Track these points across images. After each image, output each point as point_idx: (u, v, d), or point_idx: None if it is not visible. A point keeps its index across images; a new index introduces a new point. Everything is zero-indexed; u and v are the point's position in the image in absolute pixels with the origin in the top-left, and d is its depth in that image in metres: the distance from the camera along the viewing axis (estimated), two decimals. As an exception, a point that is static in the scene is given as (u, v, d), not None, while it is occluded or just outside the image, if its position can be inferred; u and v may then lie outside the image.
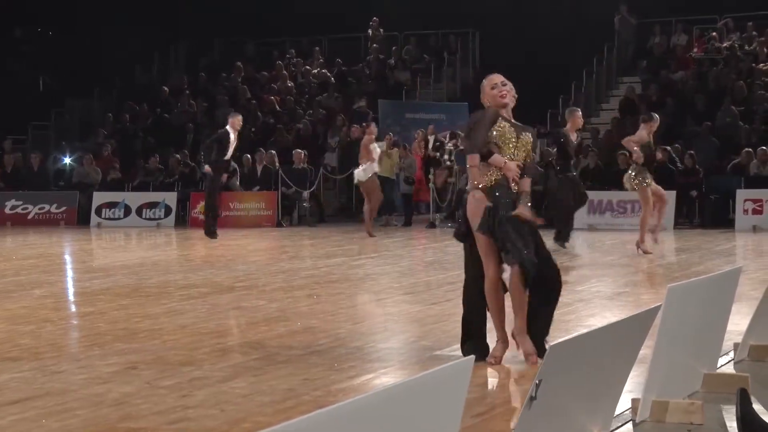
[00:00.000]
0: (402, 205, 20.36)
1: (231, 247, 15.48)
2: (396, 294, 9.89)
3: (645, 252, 13.08)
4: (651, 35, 25.02)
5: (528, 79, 23.80)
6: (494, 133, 6.32)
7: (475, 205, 6.27)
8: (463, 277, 6.74)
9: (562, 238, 14.09)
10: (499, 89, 6.57)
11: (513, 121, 6.46)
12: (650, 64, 24.29)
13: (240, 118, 16.90)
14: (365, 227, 17.03)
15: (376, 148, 17.25)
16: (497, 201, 6.21)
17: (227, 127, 16.44)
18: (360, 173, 16.81)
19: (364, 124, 18.87)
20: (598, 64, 24.67)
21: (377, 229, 18.20)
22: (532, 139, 6.45)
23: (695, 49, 24.11)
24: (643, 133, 13.06)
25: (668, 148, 18.98)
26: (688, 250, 14.09)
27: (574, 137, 13.88)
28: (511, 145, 6.33)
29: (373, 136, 17.15)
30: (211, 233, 16.52)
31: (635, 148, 12.94)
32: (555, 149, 14.23)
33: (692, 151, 19.01)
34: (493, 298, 6.37)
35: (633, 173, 13.00)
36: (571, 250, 14.21)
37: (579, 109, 14.52)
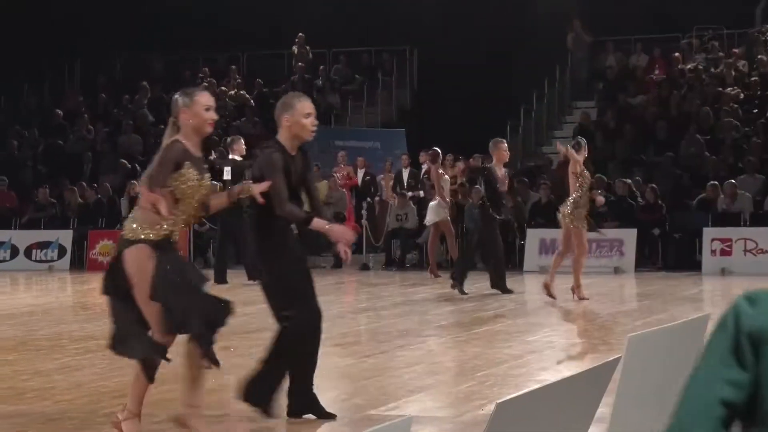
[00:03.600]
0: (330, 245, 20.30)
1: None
2: (324, 345, 9.83)
3: (581, 298, 13.23)
4: (607, 55, 25.46)
5: (472, 103, 24.23)
6: (179, 181, 5.79)
7: (143, 259, 5.76)
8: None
9: (501, 286, 14.10)
10: (312, 122, 6.52)
11: (198, 156, 5.97)
12: (606, 87, 24.68)
13: (242, 141, 16.51)
14: (431, 268, 17.02)
15: (447, 180, 17.21)
16: (166, 254, 5.83)
17: (233, 156, 16.08)
18: (434, 214, 16.73)
19: (430, 152, 18.36)
20: (549, 86, 24.99)
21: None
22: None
23: (656, 71, 24.55)
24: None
25: (628, 180, 19.23)
26: (650, 296, 14.28)
27: (500, 172, 13.98)
28: (191, 198, 5.88)
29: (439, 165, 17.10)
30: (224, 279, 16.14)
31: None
32: (483, 188, 14.36)
33: (654, 185, 19.22)
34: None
35: (569, 210, 13.08)
36: (518, 296, 14.33)
37: (504, 140, 14.48)
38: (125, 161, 22.99)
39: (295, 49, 26.97)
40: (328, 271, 18.87)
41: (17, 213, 21.67)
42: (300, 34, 26.85)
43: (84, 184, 22.15)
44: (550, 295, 13.12)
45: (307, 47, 27.00)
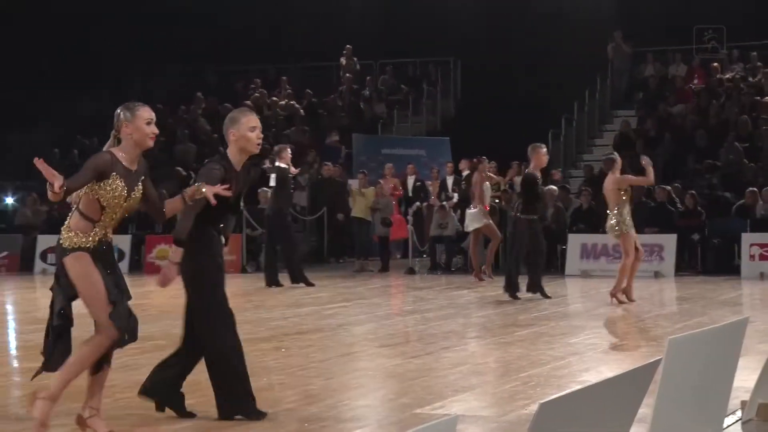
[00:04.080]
0: (378, 249, 20.34)
1: (190, 296, 15.41)
2: (372, 346, 9.89)
3: (620, 302, 13.17)
4: (647, 65, 25.30)
5: (514, 112, 24.16)
6: (105, 190, 5.86)
7: (81, 264, 5.89)
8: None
9: (511, 288, 14.00)
10: (258, 135, 6.52)
11: (134, 169, 5.98)
12: (646, 96, 24.54)
13: (289, 150, 16.62)
14: (475, 272, 17.02)
15: (489, 189, 17.22)
16: (102, 262, 5.95)
17: (279, 163, 16.19)
18: (474, 221, 16.80)
19: (475, 159, 18.42)
20: (590, 96, 24.88)
21: (351, 276, 18.20)
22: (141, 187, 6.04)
23: (695, 81, 24.38)
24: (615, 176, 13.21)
25: (667, 187, 19.12)
26: (689, 299, 14.16)
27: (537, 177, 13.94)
28: (118, 207, 5.97)
29: (485, 174, 17.14)
30: (303, 279, 16.25)
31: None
32: (521, 190, 14.27)
33: (693, 191, 19.12)
34: (95, 356, 6.06)
35: (613, 220, 13.10)
36: (560, 299, 14.26)
37: (543, 146, 14.38)
38: (180, 169, 23.17)
39: (343, 60, 27.05)
40: (375, 275, 18.88)
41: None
42: (348, 46, 26.93)
43: (142, 191, 22.34)
44: (630, 299, 13.13)
45: (355, 59, 27.06)
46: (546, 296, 13.87)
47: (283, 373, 8.23)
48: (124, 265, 20.16)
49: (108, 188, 5.83)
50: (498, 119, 24.04)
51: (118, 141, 5.95)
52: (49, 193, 5.64)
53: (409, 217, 20.21)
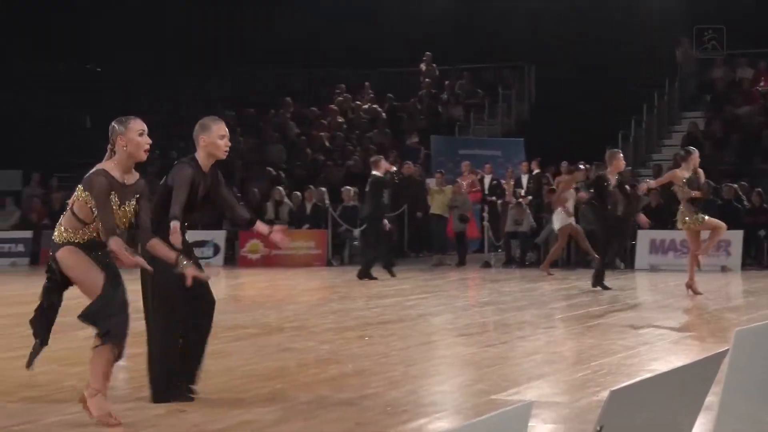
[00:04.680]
0: (455, 244, 20.33)
1: (280, 287, 15.57)
2: (450, 336, 9.88)
3: (695, 293, 12.96)
4: (714, 68, 24.87)
5: (585, 114, 23.94)
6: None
7: (74, 256, 5.91)
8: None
9: (599, 280, 13.88)
10: (226, 143, 6.59)
11: (128, 182, 6.02)
12: (714, 98, 24.12)
13: (384, 161, 17.02)
14: (545, 267, 16.86)
15: (573, 193, 17.19)
16: (92, 255, 5.93)
17: (375, 172, 16.45)
18: (560, 220, 16.77)
19: (572, 166, 18.60)
20: (659, 98, 24.55)
21: (429, 269, 18.19)
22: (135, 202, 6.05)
23: (762, 83, 23.90)
24: (682, 171, 13.01)
25: (735, 185, 18.81)
26: (756, 293, 13.89)
27: (613, 180, 13.85)
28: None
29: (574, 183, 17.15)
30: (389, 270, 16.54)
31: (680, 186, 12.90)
32: (592, 190, 14.23)
33: (759, 189, 18.80)
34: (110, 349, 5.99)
35: (681, 211, 12.98)
36: (630, 292, 14.09)
37: (620, 152, 14.44)
38: (271, 169, 23.39)
39: (423, 66, 27.03)
40: (453, 269, 18.84)
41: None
42: (427, 53, 26.92)
43: (235, 189, 22.60)
44: (696, 292, 12.95)
45: (434, 65, 27.04)
46: (605, 288, 13.76)
47: (366, 360, 8.26)
48: (219, 259, 20.42)
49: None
50: (570, 121, 23.86)
51: (114, 153, 6.02)
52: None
53: (485, 214, 20.13)
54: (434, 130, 24.79)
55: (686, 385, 4.35)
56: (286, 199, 21.01)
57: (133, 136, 5.95)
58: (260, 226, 6.88)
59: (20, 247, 21.17)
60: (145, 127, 6.02)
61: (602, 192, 13.82)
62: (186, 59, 28.11)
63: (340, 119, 26.06)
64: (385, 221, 16.62)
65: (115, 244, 5.76)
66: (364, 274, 16.36)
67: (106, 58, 29.14)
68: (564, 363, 8.13)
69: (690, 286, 13.06)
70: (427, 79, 26.77)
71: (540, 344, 9.21)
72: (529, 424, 3.29)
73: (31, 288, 14.15)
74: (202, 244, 19.96)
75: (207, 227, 21.37)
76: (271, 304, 12.81)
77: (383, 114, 26.00)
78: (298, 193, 21.13)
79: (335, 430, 5.74)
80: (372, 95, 26.96)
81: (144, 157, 6.02)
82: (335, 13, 27.67)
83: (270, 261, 19.98)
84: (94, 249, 5.95)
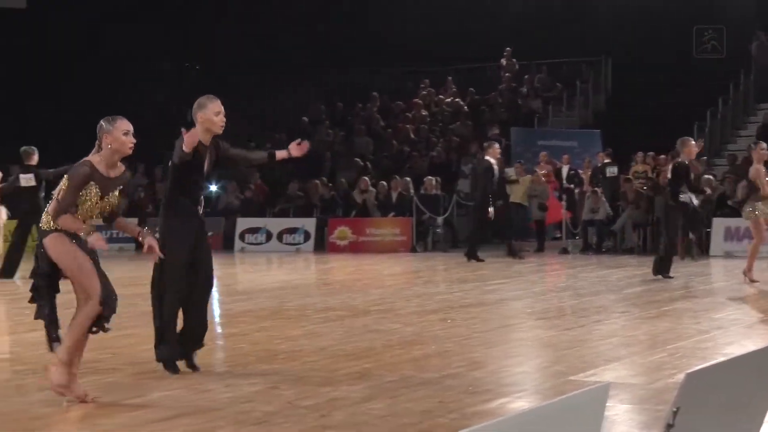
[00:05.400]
0: (534, 232, 20.20)
1: (367, 272, 15.62)
2: (529, 319, 9.81)
3: (752, 281, 12.65)
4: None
5: (661, 106, 23.52)
6: (84, 196, 5.95)
7: (60, 242, 5.90)
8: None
9: (663, 269, 13.47)
10: (221, 119, 6.74)
11: (112, 175, 6.04)
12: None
13: (497, 146, 17.11)
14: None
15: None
16: (77, 242, 5.94)
17: (487, 157, 16.64)
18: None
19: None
20: (734, 89, 23.99)
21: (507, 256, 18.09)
22: (119, 197, 6.13)
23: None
24: (757, 165, 12.69)
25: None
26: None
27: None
28: (91, 206, 5.99)
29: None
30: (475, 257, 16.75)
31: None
32: (670, 176, 13.73)
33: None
34: (90, 322, 5.96)
35: (751, 202, 12.71)
36: (705, 278, 13.80)
37: (691, 139, 13.87)
38: (358, 160, 23.49)
39: (503, 61, 26.85)
40: (531, 255, 18.69)
41: (270, 204, 22.47)
42: (507, 48, 26.74)
43: (325, 179, 22.74)
44: (752, 280, 12.66)
45: (514, 60, 26.83)
46: (668, 276, 13.41)
47: (449, 341, 8.24)
48: (309, 246, 20.54)
49: (84, 195, 5.95)
50: (646, 113, 23.49)
51: (100, 148, 6.08)
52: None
53: (563, 202, 19.92)
54: (514, 122, 24.61)
55: (762, 369, 4.24)
56: (371, 188, 21.08)
57: (119, 135, 6.02)
58: (280, 153, 7.24)
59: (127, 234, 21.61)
60: (131, 128, 6.09)
61: (680, 179, 13.48)
62: (280, 58, 28.34)
63: (424, 112, 26.02)
64: (491, 209, 16.67)
65: (92, 238, 5.85)
66: (472, 255, 16.57)
67: (206, 56, 29.57)
68: (640, 346, 8.00)
69: (747, 273, 12.76)
70: (507, 74, 26.59)
71: (616, 328, 9.08)
72: (607, 405, 3.24)
73: (136, 271, 14.47)
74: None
75: (298, 215, 21.57)
76: (359, 288, 12.86)
77: (465, 107, 25.90)
78: (384, 183, 21.18)
79: (419, 408, 5.74)
80: (454, 90, 26.88)
81: (129, 152, 6.10)
82: (420, 13, 27.65)
83: (357, 247, 20.07)
84: (79, 236, 5.97)
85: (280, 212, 21.95)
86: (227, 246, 21.22)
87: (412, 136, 25.00)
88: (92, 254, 6.02)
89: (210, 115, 6.83)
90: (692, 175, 13.58)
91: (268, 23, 28.49)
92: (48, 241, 5.95)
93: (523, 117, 25.38)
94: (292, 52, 28.23)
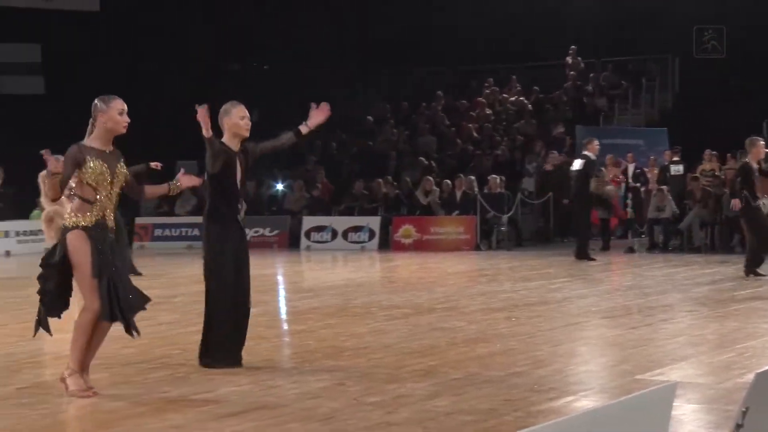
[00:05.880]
0: (600, 230, 19.97)
1: (431, 270, 15.61)
2: (594, 317, 9.71)
3: None
4: None
5: (729, 104, 23.10)
6: (88, 172, 6.08)
7: (78, 243, 6.03)
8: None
9: (754, 266, 13.26)
10: (246, 123, 6.84)
11: (108, 150, 6.19)
12: None
13: (596, 142, 17.00)
14: None
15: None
16: (98, 241, 6.05)
17: (586, 152, 16.68)
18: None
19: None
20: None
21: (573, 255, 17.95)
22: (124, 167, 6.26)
23: None
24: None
25: None
26: None
27: (755, 167, 13.25)
28: (106, 183, 6.12)
29: None
30: (586, 257, 16.59)
31: None
32: (739, 180, 13.52)
33: None
34: (88, 330, 6.07)
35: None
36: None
37: (760, 138, 13.65)
38: (422, 158, 23.47)
39: (569, 59, 26.62)
40: (597, 254, 18.49)
41: (336, 202, 22.59)
42: (572, 46, 26.52)
43: (389, 178, 22.78)
44: None
45: (579, 58, 26.59)
46: (758, 275, 13.21)
47: (513, 339, 8.21)
48: (373, 244, 20.59)
49: (89, 170, 6.07)
50: (713, 111, 23.10)
51: (95, 128, 6.19)
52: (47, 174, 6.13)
53: (629, 201, 19.68)
54: (579, 120, 24.39)
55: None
56: (435, 187, 21.06)
57: (114, 114, 6.15)
58: (304, 127, 7.20)
59: (195, 232, 21.87)
60: (125, 107, 6.21)
61: (747, 179, 13.28)
62: (345, 57, 28.46)
63: (488, 111, 25.92)
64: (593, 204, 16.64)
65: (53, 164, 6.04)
66: (582, 254, 16.43)
67: (274, 56, 29.83)
68: (707, 345, 7.88)
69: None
70: (572, 72, 26.36)
71: (683, 327, 8.95)
72: (674, 404, 3.20)
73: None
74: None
75: (363, 213, 21.63)
76: (423, 286, 12.86)
77: (529, 106, 25.73)
78: (449, 182, 21.14)
79: (484, 406, 5.72)
80: (519, 88, 26.72)
81: (123, 131, 6.21)
82: (485, 11, 27.52)
83: (421, 245, 20.06)
84: (100, 229, 6.08)
85: (346, 211, 22.05)
86: (293, 244, 21.36)
87: (476, 134, 24.92)
88: (107, 253, 6.09)
89: (236, 119, 6.94)
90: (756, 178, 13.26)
91: (335, 23, 28.62)
92: (68, 237, 6.08)
93: (588, 115, 25.14)
94: (357, 51, 28.33)
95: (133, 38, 27.44)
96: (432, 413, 5.56)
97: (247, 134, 7.01)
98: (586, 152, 16.73)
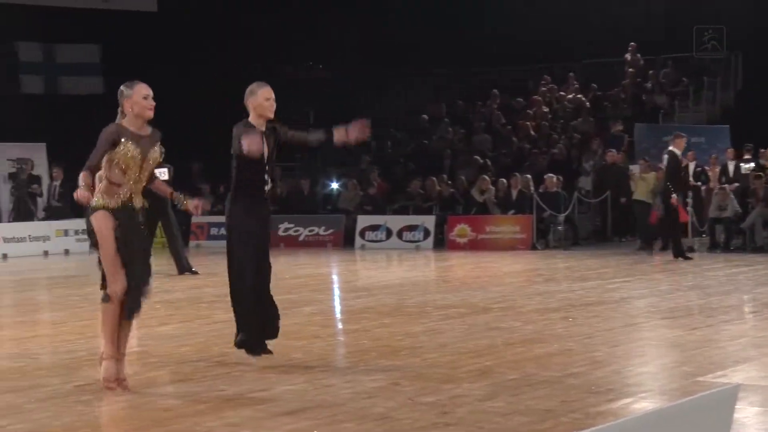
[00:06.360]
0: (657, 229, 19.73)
1: (487, 269, 15.55)
2: (654, 318, 9.59)
3: None
4: None
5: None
6: (120, 152, 6.15)
7: (103, 224, 6.15)
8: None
9: None
10: (272, 104, 6.89)
11: (143, 134, 6.23)
12: None
13: (684, 138, 16.85)
14: None
15: None
16: (122, 224, 6.15)
17: (672, 148, 16.55)
18: None
19: None
20: None
21: (634, 253, 17.73)
22: (160, 152, 6.31)
23: None
24: None
25: None
26: None
27: None
28: (136, 167, 6.17)
29: None
30: (682, 254, 16.48)
31: None
32: None
33: None
34: (114, 317, 6.18)
35: None
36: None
37: None
38: (478, 157, 23.39)
39: (628, 56, 26.34)
40: (656, 253, 18.27)
41: (390, 201, 22.60)
42: (632, 43, 26.23)
43: (444, 177, 22.73)
44: None
45: (638, 54, 26.29)
46: None
47: (571, 340, 8.14)
48: (428, 243, 20.57)
49: (120, 152, 6.14)
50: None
51: (123, 115, 6.26)
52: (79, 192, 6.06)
53: (689, 200, 19.40)
54: (638, 118, 24.11)
55: None
56: (490, 186, 20.97)
57: (138, 98, 6.24)
58: (338, 135, 7.23)
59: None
60: (150, 92, 6.29)
61: None
62: (401, 56, 28.46)
63: (545, 109, 25.74)
64: (674, 196, 16.43)
65: (82, 178, 6.05)
66: (678, 253, 16.31)
67: (329, 57, 29.96)
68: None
69: None
70: (631, 69, 26.07)
71: (746, 328, 8.81)
72: (736, 407, 3.15)
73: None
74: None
75: (417, 212, 21.61)
76: (479, 286, 12.81)
77: (587, 103, 25.50)
78: (504, 180, 21.04)
79: (541, 407, 5.68)
80: (576, 86, 26.49)
81: (150, 115, 6.28)
82: (542, 8, 27.35)
83: (476, 245, 19.99)
84: (126, 212, 6.18)
85: (400, 209, 22.04)
86: (348, 243, 21.42)
87: (533, 133, 24.76)
88: (133, 237, 6.19)
89: (261, 100, 7.05)
90: None
91: (389, 22, 28.64)
92: (93, 218, 6.21)
93: (647, 113, 24.85)
94: (412, 50, 28.30)
95: (190, 38, 27.73)
96: (488, 414, 5.54)
97: (272, 115, 7.13)
98: (671, 148, 16.53)
